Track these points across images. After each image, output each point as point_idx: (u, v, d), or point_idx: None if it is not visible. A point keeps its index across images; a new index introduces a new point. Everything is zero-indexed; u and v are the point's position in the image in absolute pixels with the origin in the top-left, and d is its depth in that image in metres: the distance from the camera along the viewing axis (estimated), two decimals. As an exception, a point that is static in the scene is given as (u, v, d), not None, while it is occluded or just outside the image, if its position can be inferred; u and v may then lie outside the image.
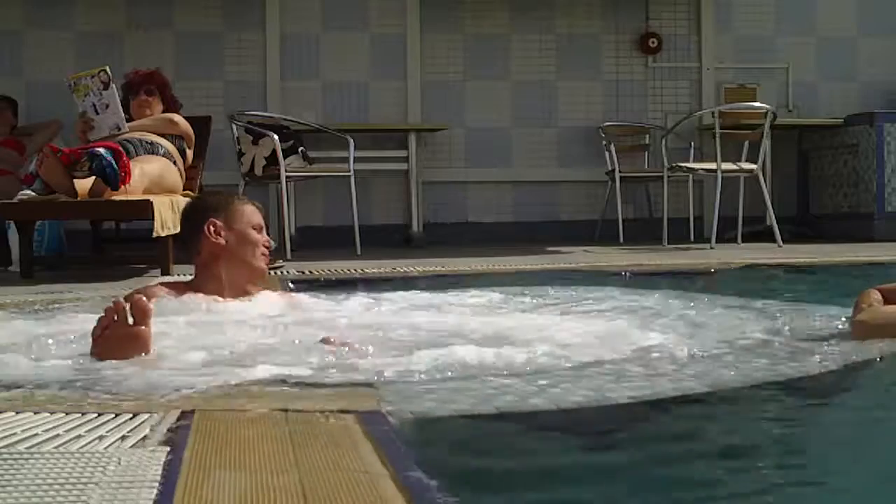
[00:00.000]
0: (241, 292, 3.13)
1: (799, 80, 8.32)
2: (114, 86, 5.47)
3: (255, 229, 3.17)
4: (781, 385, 2.12)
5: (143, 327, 2.31)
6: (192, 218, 3.22)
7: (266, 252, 3.19)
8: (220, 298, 3.06)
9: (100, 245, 6.12)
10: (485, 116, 7.96)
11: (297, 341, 2.50)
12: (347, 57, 7.81)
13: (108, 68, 5.48)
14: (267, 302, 3.15)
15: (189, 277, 3.31)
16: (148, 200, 4.73)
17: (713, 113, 6.97)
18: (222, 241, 3.11)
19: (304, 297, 3.50)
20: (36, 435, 1.61)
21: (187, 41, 7.63)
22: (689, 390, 2.03)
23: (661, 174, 7.19)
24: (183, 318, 2.79)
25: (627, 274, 4.91)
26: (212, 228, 3.11)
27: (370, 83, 7.84)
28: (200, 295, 3.06)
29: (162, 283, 3.34)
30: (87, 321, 2.53)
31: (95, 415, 1.75)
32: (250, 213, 3.19)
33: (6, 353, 2.39)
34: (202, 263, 3.17)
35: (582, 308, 3.42)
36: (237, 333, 2.63)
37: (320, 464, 1.45)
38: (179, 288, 3.18)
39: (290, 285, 4.20)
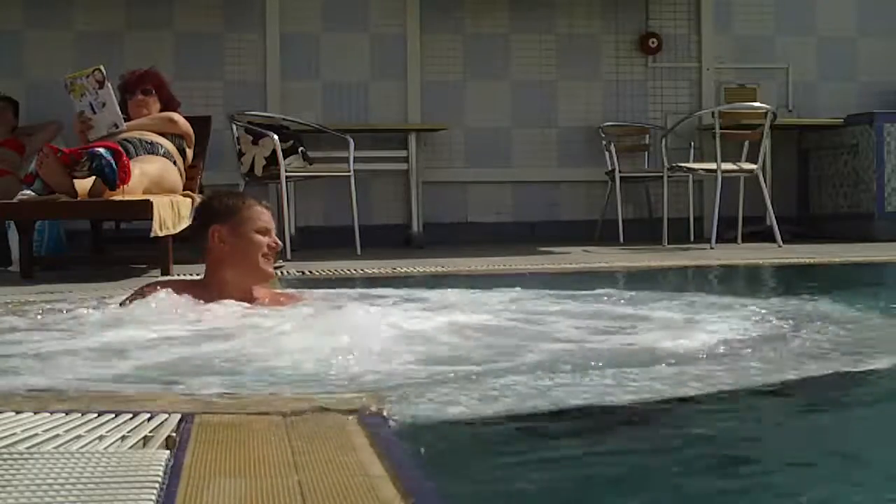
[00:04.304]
0: (246, 294, 3.21)
1: (799, 80, 8.32)
2: (109, 84, 5.46)
3: (260, 233, 3.22)
4: (781, 387, 2.12)
5: None
6: (201, 222, 3.31)
7: (272, 254, 3.25)
8: (231, 301, 3.13)
9: (100, 245, 6.11)
10: (485, 116, 7.96)
11: (298, 345, 2.50)
12: (347, 57, 7.80)
13: (101, 67, 5.46)
14: (272, 307, 3.17)
15: (198, 277, 3.39)
16: (148, 200, 4.73)
17: (713, 113, 6.97)
18: (227, 247, 3.20)
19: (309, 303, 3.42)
20: (36, 435, 1.61)
21: (187, 41, 7.62)
22: (688, 392, 2.03)
23: (661, 174, 7.18)
24: (183, 319, 2.80)
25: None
26: (216, 236, 3.21)
27: (370, 83, 7.84)
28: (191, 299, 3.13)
29: (172, 281, 3.39)
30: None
31: (95, 415, 1.75)
32: (257, 218, 3.24)
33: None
34: (210, 266, 3.27)
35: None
36: (236, 337, 2.63)
37: (319, 466, 1.45)
38: (187, 287, 3.26)
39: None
